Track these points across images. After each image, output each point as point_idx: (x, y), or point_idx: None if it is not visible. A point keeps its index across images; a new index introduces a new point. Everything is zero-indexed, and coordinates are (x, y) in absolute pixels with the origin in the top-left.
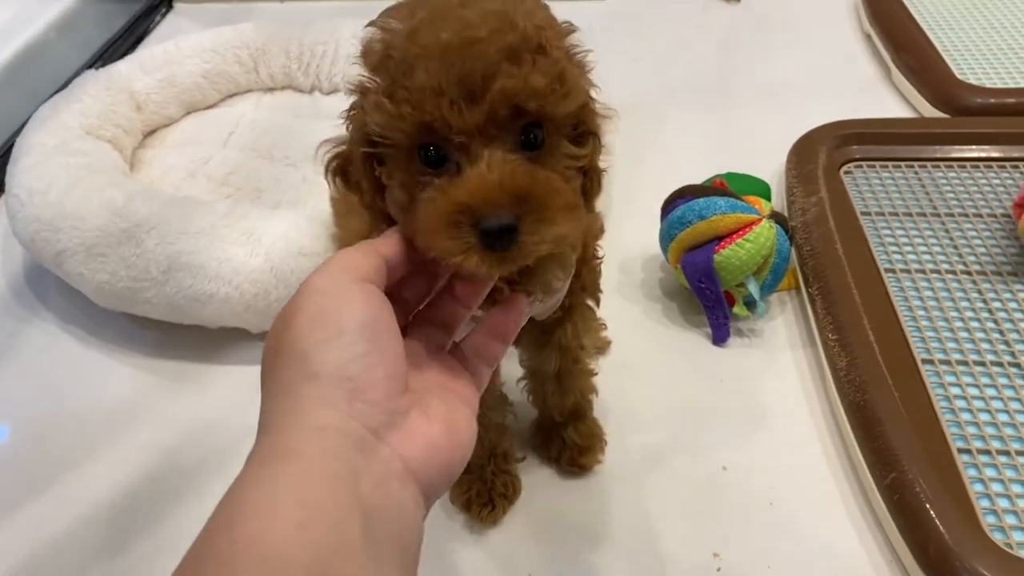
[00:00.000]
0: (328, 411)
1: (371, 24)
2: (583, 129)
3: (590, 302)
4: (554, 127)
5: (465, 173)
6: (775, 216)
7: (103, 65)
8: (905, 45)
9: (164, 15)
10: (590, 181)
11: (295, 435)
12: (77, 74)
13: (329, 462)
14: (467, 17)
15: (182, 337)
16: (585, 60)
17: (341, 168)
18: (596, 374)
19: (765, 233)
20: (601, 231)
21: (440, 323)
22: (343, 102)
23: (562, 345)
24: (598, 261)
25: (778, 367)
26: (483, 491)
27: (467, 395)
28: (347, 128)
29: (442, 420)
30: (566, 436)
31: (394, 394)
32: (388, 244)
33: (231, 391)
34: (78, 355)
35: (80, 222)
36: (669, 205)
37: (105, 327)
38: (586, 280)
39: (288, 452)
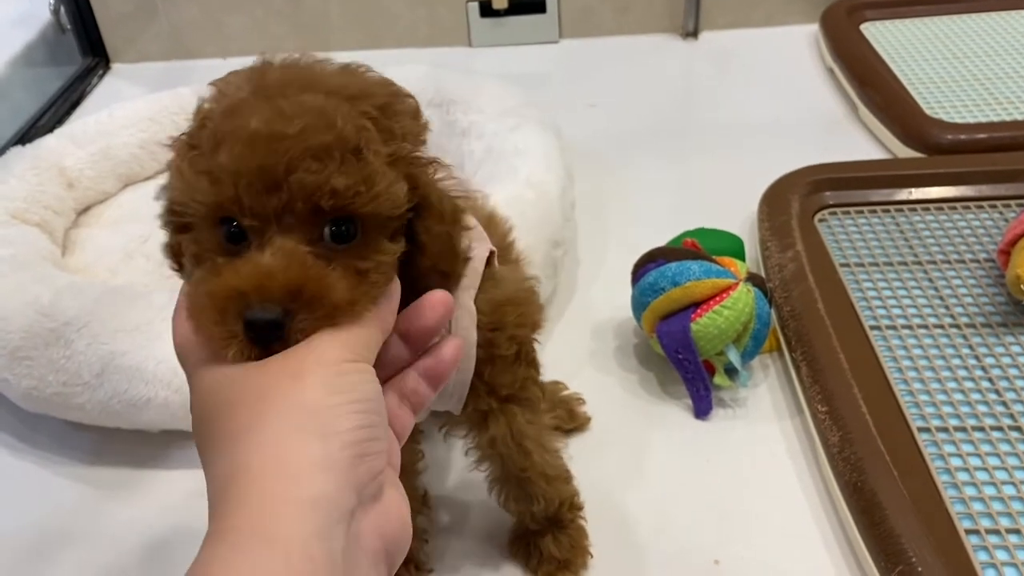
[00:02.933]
0: (328, 476)
1: (212, 83)
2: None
3: (526, 393)
4: (373, 223)
5: (246, 257)
6: (752, 278)
7: (35, 135)
8: (869, 80)
9: (101, 77)
10: (427, 281)
11: (281, 511)
12: (4, 149)
13: (312, 545)
14: (283, 109)
15: (122, 440)
16: (431, 163)
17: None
18: (569, 479)
19: (743, 298)
20: (532, 323)
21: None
22: None
23: (499, 452)
24: (524, 350)
25: (766, 440)
26: None
27: (393, 455)
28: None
29: (401, 492)
30: (543, 547)
31: (385, 466)
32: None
33: (177, 497)
34: (8, 466)
35: (3, 323)
36: (640, 269)
37: (38, 431)
38: (497, 381)
39: (271, 535)
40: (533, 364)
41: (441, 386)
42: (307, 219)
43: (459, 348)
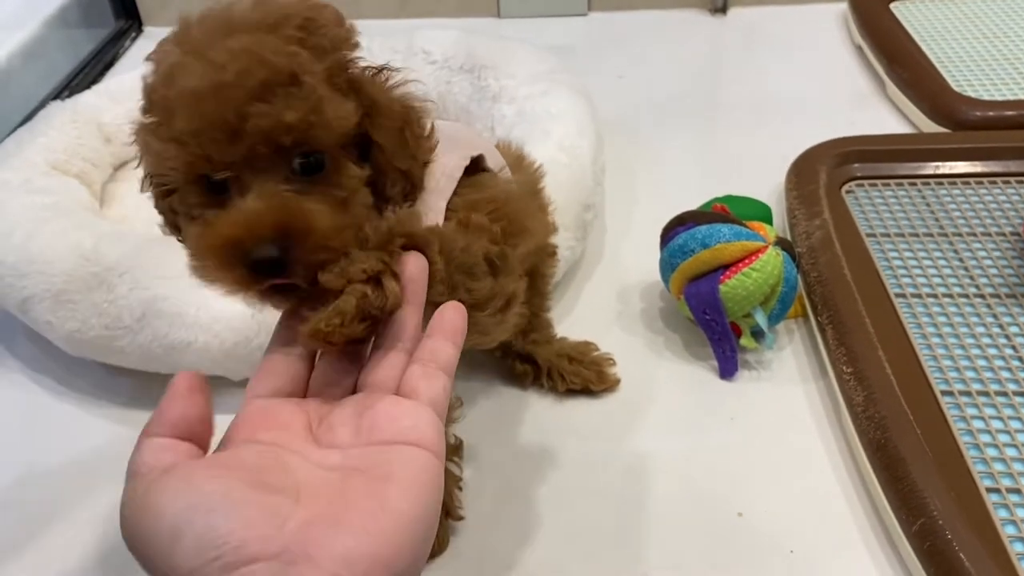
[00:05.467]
0: None
1: (147, 57)
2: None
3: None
4: (335, 149)
5: (231, 205)
6: (781, 243)
7: (70, 94)
8: (898, 57)
9: (134, 40)
10: (389, 181)
11: None
12: (43, 105)
13: None
14: (215, 59)
15: (160, 385)
16: (374, 70)
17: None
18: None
19: (772, 261)
20: (520, 228)
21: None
22: None
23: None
24: (498, 256)
25: (790, 401)
26: None
27: (406, 429)
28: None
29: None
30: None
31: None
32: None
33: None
34: (50, 407)
35: (47, 267)
36: (669, 232)
37: (78, 376)
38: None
39: None
40: (510, 273)
41: (461, 340)
42: (275, 159)
43: (416, 259)
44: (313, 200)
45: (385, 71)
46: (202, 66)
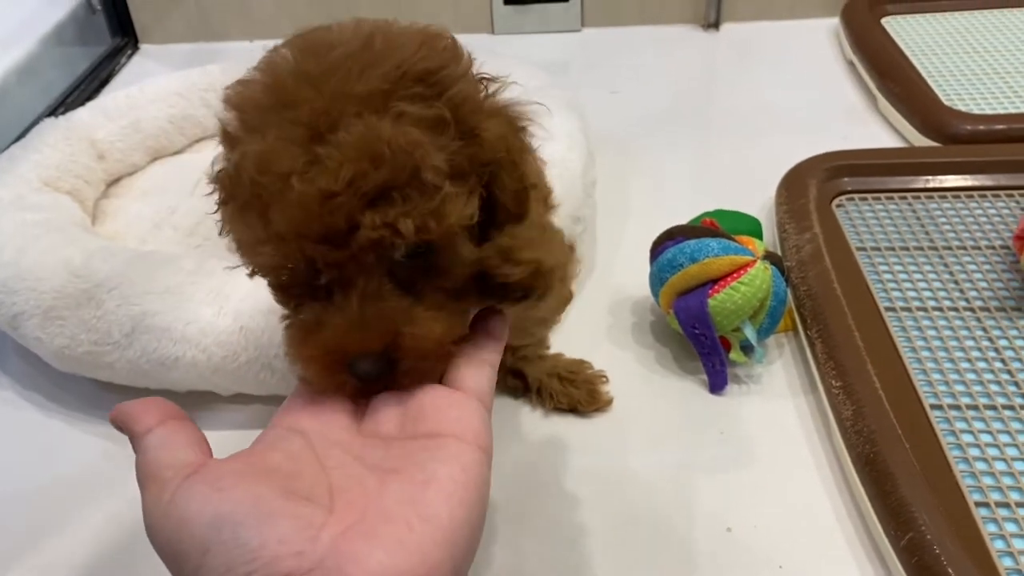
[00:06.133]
0: None
1: (228, 103)
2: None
3: None
4: (449, 238)
5: (333, 309)
6: (770, 257)
7: (65, 111)
8: (889, 72)
9: (130, 57)
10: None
11: None
12: (37, 121)
13: None
14: (322, 159)
15: None
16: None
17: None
18: None
19: (760, 275)
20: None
21: None
22: None
23: None
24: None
25: (780, 416)
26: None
27: (452, 420)
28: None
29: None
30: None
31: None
32: None
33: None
34: (39, 424)
35: (37, 283)
36: (658, 247)
37: (68, 392)
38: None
39: None
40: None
41: (503, 341)
42: (382, 254)
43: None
44: (424, 303)
45: (487, 83)
46: (308, 165)
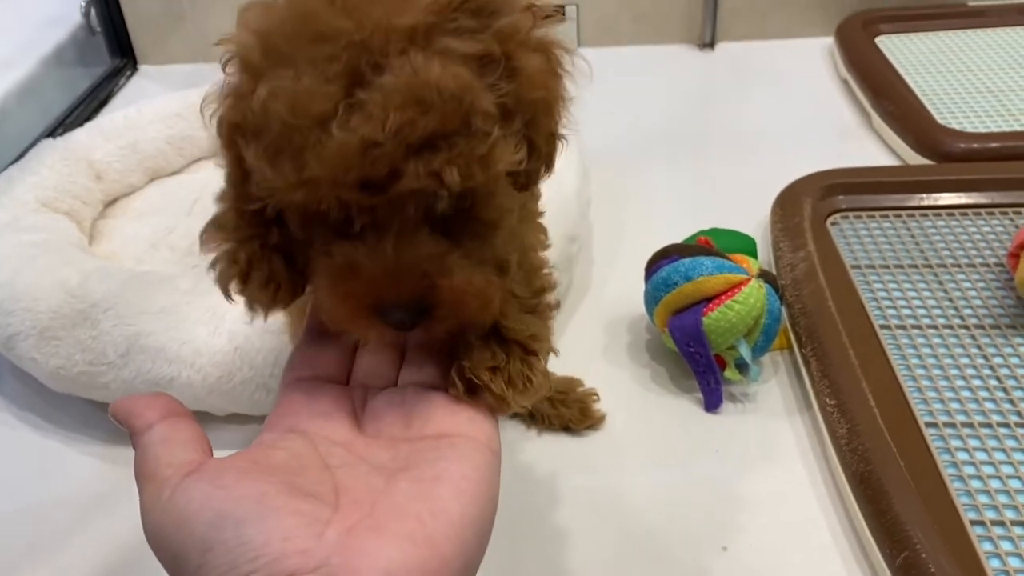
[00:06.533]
0: None
1: (244, 22)
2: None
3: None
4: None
5: (365, 251)
6: (764, 275)
7: (64, 132)
8: (883, 91)
9: (129, 77)
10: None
11: None
12: (36, 142)
13: None
14: (365, 104)
15: None
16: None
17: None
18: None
19: (754, 293)
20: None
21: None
22: None
23: None
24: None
25: (775, 434)
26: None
27: (463, 421)
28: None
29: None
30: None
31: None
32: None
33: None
34: (34, 444)
35: (33, 304)
36: (653, 265)
37: (63, 412)
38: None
39: None
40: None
41: None
42: (421, 203)
43: None
44: (461, 249)
45: (537, 12)
46: (348, 109)
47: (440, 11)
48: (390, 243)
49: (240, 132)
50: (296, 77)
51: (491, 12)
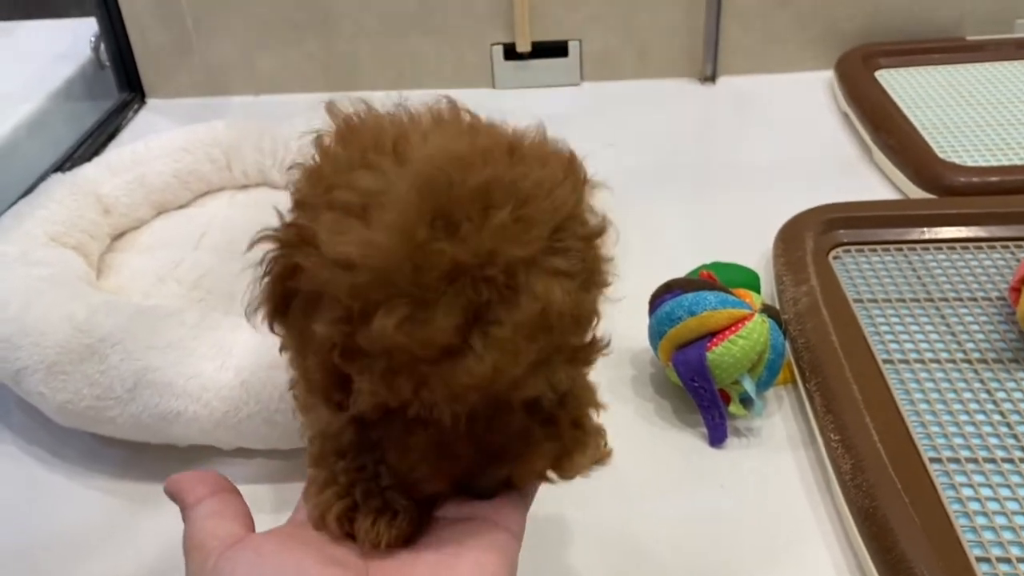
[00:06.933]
0: None
1: (342, 258)
2: None
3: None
4: None
5: (444, 428)
6: (767, 310)
7: (72, 165)
8: (884, 125)
9: (137, 111)
10: None
11: None
12: (45, 176)
13: None
14: (498, 340)
15: (150, 455)
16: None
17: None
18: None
19: (758, 328)
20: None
21: None
22: None
23: None
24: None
25: (780, 469)
26: (374, 492)
27: (485, 508)
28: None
29: None
30: None
31: None
32: None
33: None
34: (40, 478)
35: (40, 338)
36: (657, 300)
37: (69, 446)
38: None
39: None
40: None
41: None
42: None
43: None
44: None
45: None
46: (480, 343)
47: (552, 233)
48: (482, 425)
49: (350, 356)
50: (413, 314)
51: (584, 227)
